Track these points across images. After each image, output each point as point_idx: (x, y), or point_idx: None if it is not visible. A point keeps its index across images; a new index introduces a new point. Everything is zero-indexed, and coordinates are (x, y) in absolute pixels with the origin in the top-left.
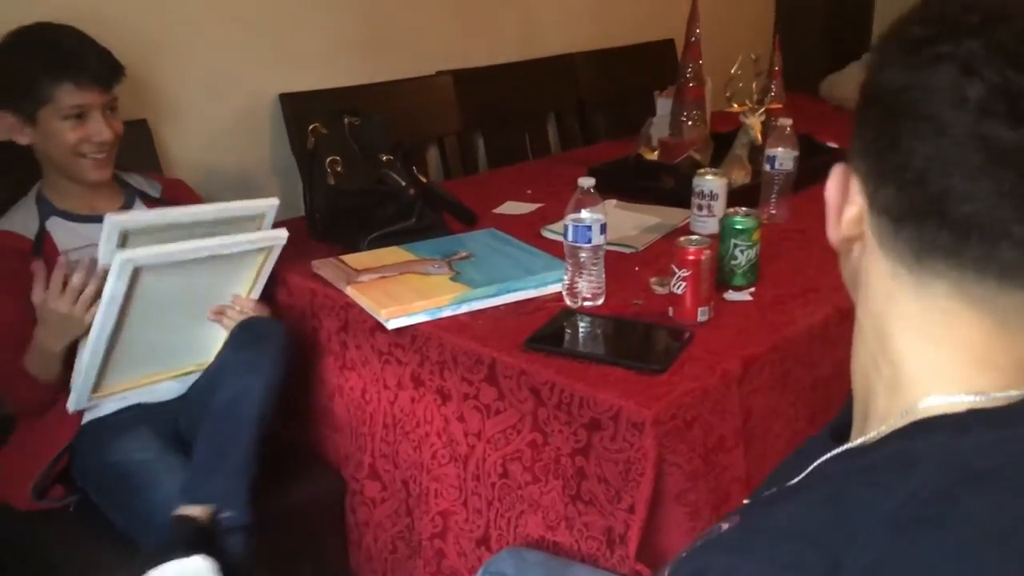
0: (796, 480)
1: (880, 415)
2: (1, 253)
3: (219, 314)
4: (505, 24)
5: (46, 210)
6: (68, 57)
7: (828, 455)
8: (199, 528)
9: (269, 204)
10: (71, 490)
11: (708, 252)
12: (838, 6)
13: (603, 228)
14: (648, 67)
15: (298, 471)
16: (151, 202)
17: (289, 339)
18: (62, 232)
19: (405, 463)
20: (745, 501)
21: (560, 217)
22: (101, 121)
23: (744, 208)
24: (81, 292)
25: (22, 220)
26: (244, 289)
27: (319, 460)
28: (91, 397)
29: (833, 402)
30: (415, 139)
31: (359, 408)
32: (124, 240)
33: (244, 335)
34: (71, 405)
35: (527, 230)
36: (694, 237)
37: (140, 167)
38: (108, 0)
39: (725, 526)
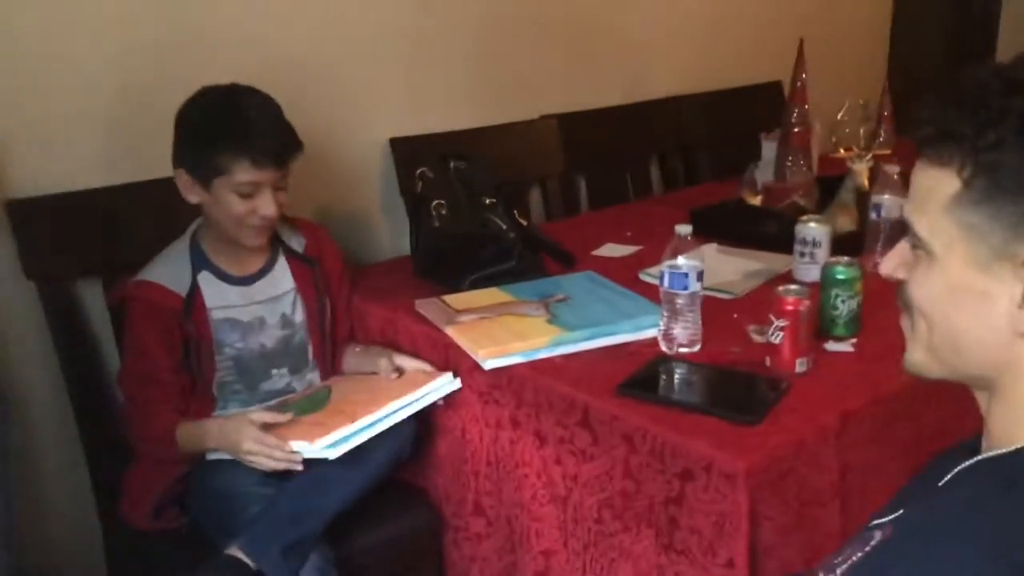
0: (938, 487)
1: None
2: (156, 309)
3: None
4: (611, 69)
5: (199, 261)
6: (251, 135)
7: (970, 462)
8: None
9: (446, 383)
10: (184, 512)
11: (807, 303)
12: (954, 52)
13: (700, 275)
14: (754, 109)
15: (395, 505)
16: (294, 259)
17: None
18: (210, 288)
19: (508, 501)
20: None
21: (659, 260)
22: (270, 198)
23: (847, 257)
24: (267, 445)
25: (174, 272)
26: None
27: (416, 495)
28: None
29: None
30: (518, 181)
31: (460, 446)
32: None
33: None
34: None
35: (625, 273)
36: (793, 287)
37: None
38: (245, 49)
39: (878, 535)
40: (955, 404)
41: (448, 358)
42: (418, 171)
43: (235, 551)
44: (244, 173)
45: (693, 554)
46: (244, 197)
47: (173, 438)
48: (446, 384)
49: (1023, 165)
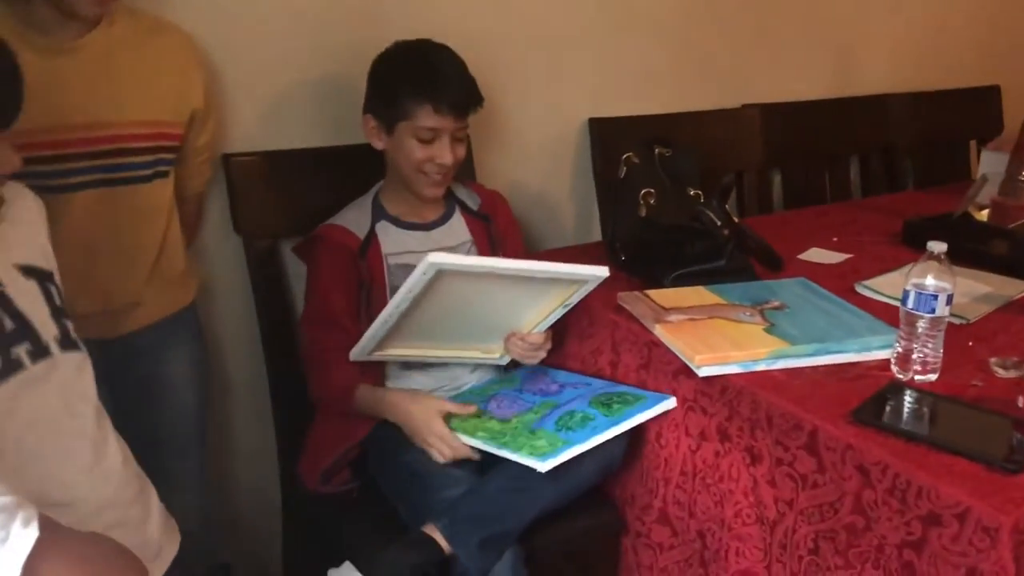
0: None
1: None
2: (335, 247)
3: (507, 340)
4: (818, 60)
5: (378, 213)
6: (435, 81)
7: None
8: (438, 557)
9: (597, 273)
10: (355, 477)
11: None
12: None
13: (949, 299)
14: (967, 115)
15: (577, 502)
16: (468, 214)
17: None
18: (387, 237)
19: (703, 515)
20: None
21: (874, 272)
22: (447, 146)
23: None
24: (449, 443)
25: (356, 218)
26: (539, 315)
27: (598, 493)
28: (371, 353)
29: None
30: (716, 172)
31: (653, 451)
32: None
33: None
34: (352, 355)
35: (837, 283)
36: None
37: (463, 177)
38: (455, 19)
39: None
40: None
41: (651, 357)
42: (624, 155)
43: (432, 531)
44: (425, 118)
45: None
46: (423, 143)
47: (352, 395)
48: (593, 278)
49: None
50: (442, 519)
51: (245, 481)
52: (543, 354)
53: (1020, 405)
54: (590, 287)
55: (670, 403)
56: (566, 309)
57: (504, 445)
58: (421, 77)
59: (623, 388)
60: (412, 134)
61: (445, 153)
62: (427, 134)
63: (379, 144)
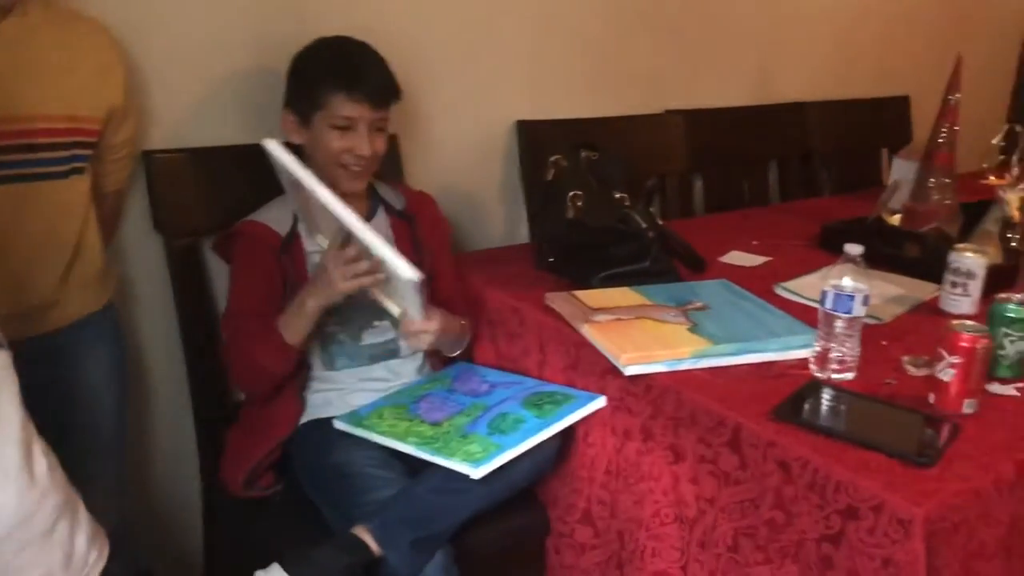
0: None
1: None
2: (256, 241)
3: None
4: (739, 68)
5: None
6: (348, 69)
7: None
8: (368, 559)
9: (406, 275)
10: (277, 481)
11: (985, 341)
12: None
13: (865, 300)
14: (879, 123)
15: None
16: (393, 215)
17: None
18: (310, 234)
19: (623, 515)
20: None
21: (792, 274)
22: (365, 137)
23: (1018, 295)
24: (354, 263)
25: (277, 216)
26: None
27: (528, 493)
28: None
29: None
30: (639, 176)
31: (580, 451)
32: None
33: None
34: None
35: (757, 284)
36: (969, 322)
37: (391, 179)
38: (380, 17)
39: None
40: None
41: (578, 357)
42: (552, 158)
43: (362, 532)
44: (341, 106)
45: None
46: (341, 132)
47: (281, 341)
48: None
49: None
50: (372, 521)
51: (166, 486)
52: (428, 339)
53: (931, 401)
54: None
55: (600, 402)
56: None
57: (437, 451)
58: (337, 67)
59: (553, 388)
60: (329, 124)
61: (363, 144)
62: (343, 122)
63: (297, 139)
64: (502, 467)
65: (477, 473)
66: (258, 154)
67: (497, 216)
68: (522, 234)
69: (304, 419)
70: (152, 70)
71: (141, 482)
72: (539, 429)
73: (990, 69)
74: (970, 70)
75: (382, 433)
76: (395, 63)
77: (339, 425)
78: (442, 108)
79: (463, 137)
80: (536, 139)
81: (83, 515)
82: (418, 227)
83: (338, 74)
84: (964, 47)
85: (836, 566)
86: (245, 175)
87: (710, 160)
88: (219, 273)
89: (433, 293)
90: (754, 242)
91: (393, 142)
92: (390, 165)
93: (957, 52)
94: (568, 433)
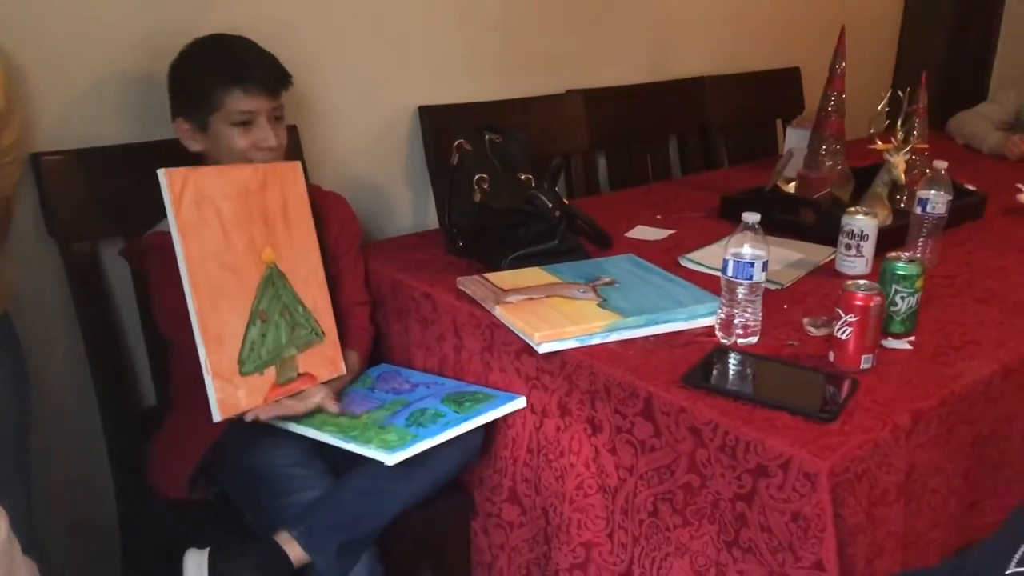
0: None
1: None
2: (162, 248)
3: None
4: (636, 45)
5: None
6: (238, 65)
7: None
8: (290, 568)
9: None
10: (214, 483)
11: (878, 299)
12: (957, 48)
13: (764, 265)
14: (772, 95)
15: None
16: None
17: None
18: None
19: (547, 491)
20: (1014, 566)
21: (695, 245)
22: (268, 128)
23: (907, 253)
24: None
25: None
26: None
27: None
28: None
29: (988, 460)
30: (544, 157)
31: (501, 432)
32: None
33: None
34: None
35: (662, 256)
36: (862, 281)
37: None
38: (266, 9)
39: None
40: (1014, 406)
41: (493, 339)
42: (456, 142)
43: (286, 539)
44: (237, 102)
45: (761, 552)
46: (242, 128)
47: None
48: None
49: None
50: (297, 527)
51: (77, 502)
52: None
53: (831, 360)
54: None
55: (519, 403)
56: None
57: (353, 439)
58: (224, 64)
59: (475, 388)
60: (228, 123)
61: (268, 135)
62: (243, 117)
63: (195, 146)
64: (426, 459)
65: (391, 459)
66: (150, 151)
67: (405, 203)
68: (431, 220)
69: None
70: (36, 71)
71: (50, 503)
72: (458, 423)
73: (874, 38)
74: (855, 40)
75: (299, 423)
76: (290, 54)
77: (250, 417)
78: (342, 97)
79: (365, 125)
80: (439, 124)
81: (3, 531)
82: (324, 231)
83: (227, 71)
84: (848, 18)
85: (750, 523)
86: (138, 174)
87: (612, 138)
88: (122, 278)
89: (335, 300)
90: (658, 216)
91: (293, 134)
92: (292, 157)
93: (841, 23)
94: None
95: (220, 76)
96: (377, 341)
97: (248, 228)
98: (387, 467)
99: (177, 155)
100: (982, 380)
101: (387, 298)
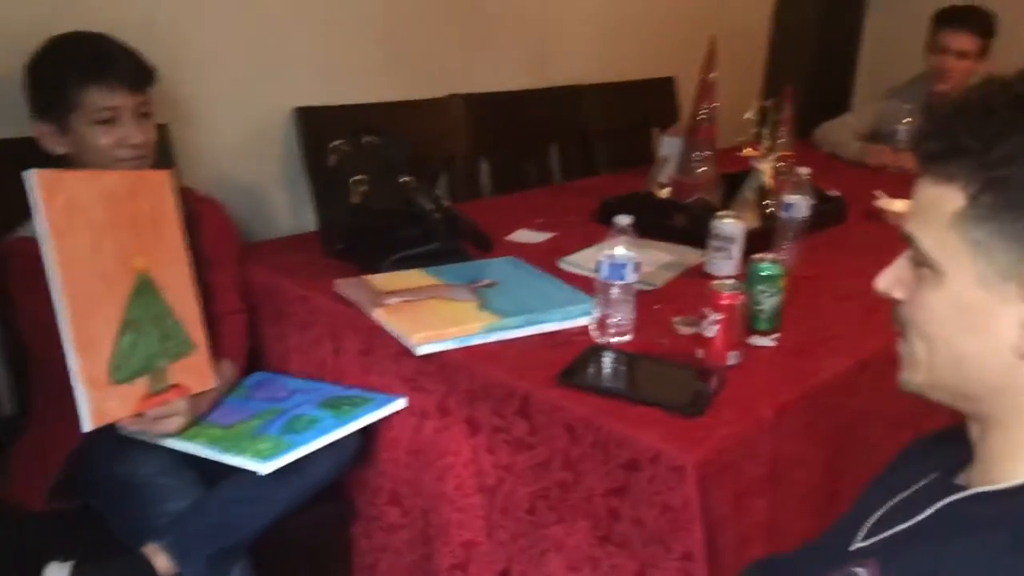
0: (922, 518)
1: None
2: (27, 257)
3: None
4: (516, 52)
5: None
6: (95, 61)
7: (958, 496)
8: None
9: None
10: (78, 494)
11: (742, 297)
12: (823, 60)
13: (637, 267)
14: (649, 103)
15: None
16: None
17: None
18: None
19: (427, 492)
20: (860, 545)
21: (575, 249)
22: (132, 124)
23: (770, 254)
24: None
25: None
26: None
27: None
28: None
29: (848, 450)
30: (425, 161)
31: (381, 434)
32: None
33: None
34: None
35: (543, 260)
36: (728, 281)
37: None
38: (136, 6)
39: (862, 572)
40: (871, 398)
41: (372, 342)
42: (332, 144)
43: (154, 551)
44: (97, 98)
45: (633, 546)
46: (105, 125)
47: None
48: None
49: None
50: (167, 537)
51: None
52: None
53: (700, 356)
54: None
55: (400, 403)
56: None
57: (225, 450)
58: (83, 60)
59: (354, 391)
60: (91, 121)
61: (133, 132)
62: (106, 114)
63: (59, 148)
64: (301, 465)
65: (265, 468)
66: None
67: (282, 205)
68: (310, 223)
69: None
70: None
71: None
72: (334, 428)
73: (744, 50)
74: (726, 52)
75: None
76: (160, 51)
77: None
78: (217, 96)
79: (241, 126)
80: (317, 126)
81: None
82: (199, 237)
83: (86, 67)
84: (719, 30)
85: (622, 517)
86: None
87: (494, 143)
88: None
89: (210, 309)
90: (539, 220)
91: (164, 133)
92: (162, 158)
93: (712, 34)
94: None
95: (78, 73)
96: (253, 348)
97: (118, 236)
98: (260, 475)
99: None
100: (841, 374)
101: (263, 303)
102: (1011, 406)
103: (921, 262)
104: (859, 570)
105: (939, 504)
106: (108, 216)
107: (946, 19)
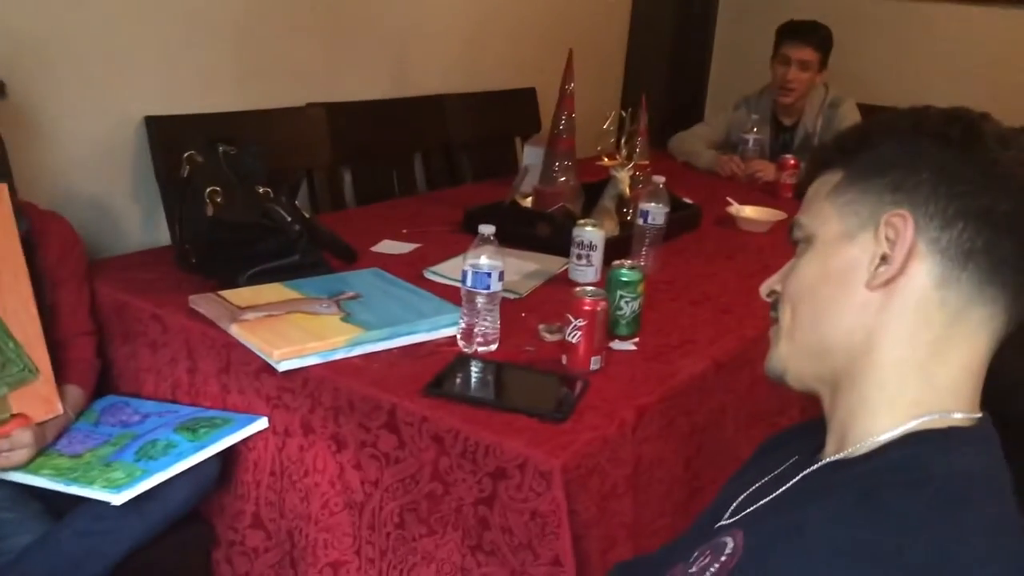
0: (782, 491)
1: (864, 432)
2: None
3: None
4: (377, 60)
5: None
6: None
7: (814, 468)
8: None
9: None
10: None
11: (603, 303)
12: (675, 74)
13: (501, 275)
14: (511, 114)
15: None
16: None
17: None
18: None
19: (291, 513)
20: (724, 523)
21: (440, 259)
22: None
23: (629, 261)
24: None
25: None
26: None
27: None
28: None
29: (706, 448)
30: (284, 171)
31: (242, 456)
32: None
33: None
34: None
35: (407, 270)
36: (589, 288)
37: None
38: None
39: (730, 542)
40: (726, 397)
41: (230, 361)
42: (186, 154)
43: None
44: None
45: (503, 553)
46: None
47: None
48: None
49: (895, 150)
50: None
51: None
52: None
53: (564, 363)
54: None
55: (261, 423)
56: None
57: (73, 481)
58: None
59: (212, 413)
60: None
61: None
62: None
63: None
64: (157, 497)
65: (118, 499)
66: None
67: (132, 219)
68: (163, 237)
69: None
70: None
71: None
72: (192, 452)
73: (602, 63)
74: (584, 64)
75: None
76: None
77: None
78: (58, 105)
79: (85, 136)
80: (168, 136)
81: None
82: (42, 255)
83: None
84: (577, 43)
85: (492, 525)
86: None
87: (356, 153)
88: None
89: (55, 331)
90: (404, 230)
91: None
92: None
93: (570, 47)
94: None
95: None
96: (104, 370)
97: None
98: (112, 505)
99: None
100: (697, 375)
101: (112, 322)
102: (862, 353)
103: (799, 241)
104: (726, 539)
105: (797, 477)
106: None
107: (789, 32)
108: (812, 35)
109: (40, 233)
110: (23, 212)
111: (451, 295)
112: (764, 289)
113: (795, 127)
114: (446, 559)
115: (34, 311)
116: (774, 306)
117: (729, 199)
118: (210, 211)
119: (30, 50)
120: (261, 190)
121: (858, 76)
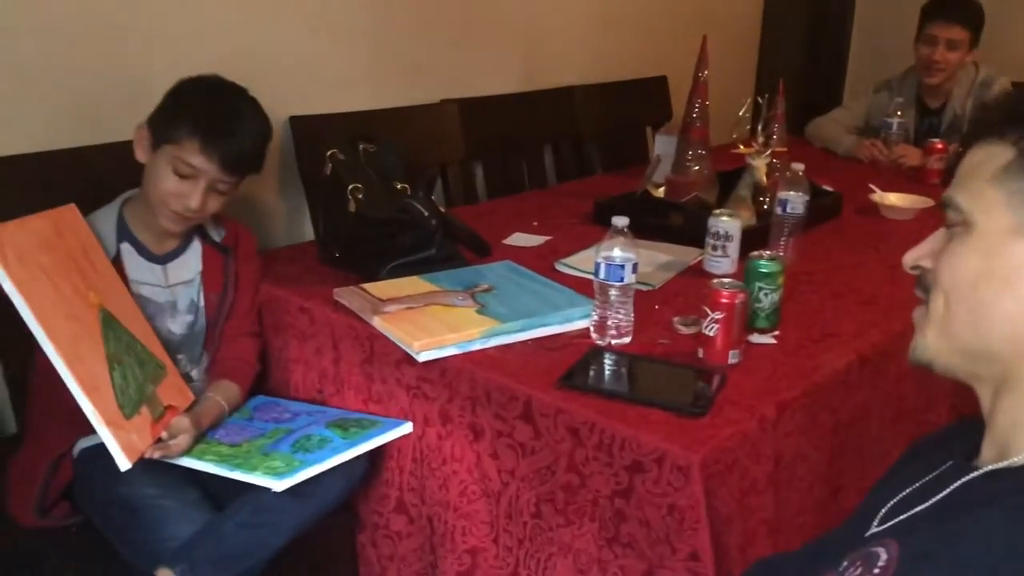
0: (939, 499)
1: None
2: None
3: None
4: (507, 55)
5: (123, 232)
6: (217, 122)
7: (973, 475)
8: None
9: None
10: (75, 511)
11: (742, 296)
12: (812, 55)
13: (635, 267)
14: (641, 103)
15: None
16: (209, 244)
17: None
18: (132, 261)
19: (431, 500)
20: (876, 530)
21: (571, 251)
22: (200, 191)
23: (768, 251)
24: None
25: (102, 237)
26: None
27: None
28: None
29: (849, 445)
30: (420, 166)
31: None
32: None
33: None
34: None
35: (539, 263)
36: (727, 280)
37: None
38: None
39: (883, 553)
40: (871, 393)
41: (372, 350)
42: (329, 152)
43: (167, 574)
44: (190, 153)
45: (640, 547)
46: (179, 177)
47: None
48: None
49: None
50: (179, 563)
51: None
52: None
53: (700, 356)
54: None
55: (406, 428)
56: None
57: (236, 467)
58: (207, 112)
59: (359, 415)
60: (171, 162)
61: (195, 196)
62: (185, 169)
63: (142, 156)
64: (313, 491)
65: (279, 485)
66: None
67: (279, 216)
68: (307, 232)
69: (85, 443)
70: None
71: None
72: (346, 448)
73: (736, 48)
74: (717, 50)
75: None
76: (156, 64)
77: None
78: None
79: None
80: (311, 134)
81: None
82: (234, 261)
83: (203, 121)
84: (710, 29)
85: (629, 518)
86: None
87: (488, 147)
88: None
89: (226, 327)
90: (534, 223)
91: None
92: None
93: (703, 33)
94: None
95: (196, 120)
96: None
97: (67, 275)
98: (273, 498)
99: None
100: (841, 370)
101: (263, 314)
102: None
103: (953, 223)
104: (878, 549)
105: (955, 484)
106: (51, 259)
107: (935, 10)
108: (961, 12)
109: (233, 241)
110: (221, 222)
111: (583, 287)
112: (909, 260)
113: (942, 109)
114: (583, 550)
115: (140, 312)
116: (919, 283)
117: (872, 186)
118: (352, 207)
119: (186, 58)
120: (399, 186)
121: (1014, 53)
